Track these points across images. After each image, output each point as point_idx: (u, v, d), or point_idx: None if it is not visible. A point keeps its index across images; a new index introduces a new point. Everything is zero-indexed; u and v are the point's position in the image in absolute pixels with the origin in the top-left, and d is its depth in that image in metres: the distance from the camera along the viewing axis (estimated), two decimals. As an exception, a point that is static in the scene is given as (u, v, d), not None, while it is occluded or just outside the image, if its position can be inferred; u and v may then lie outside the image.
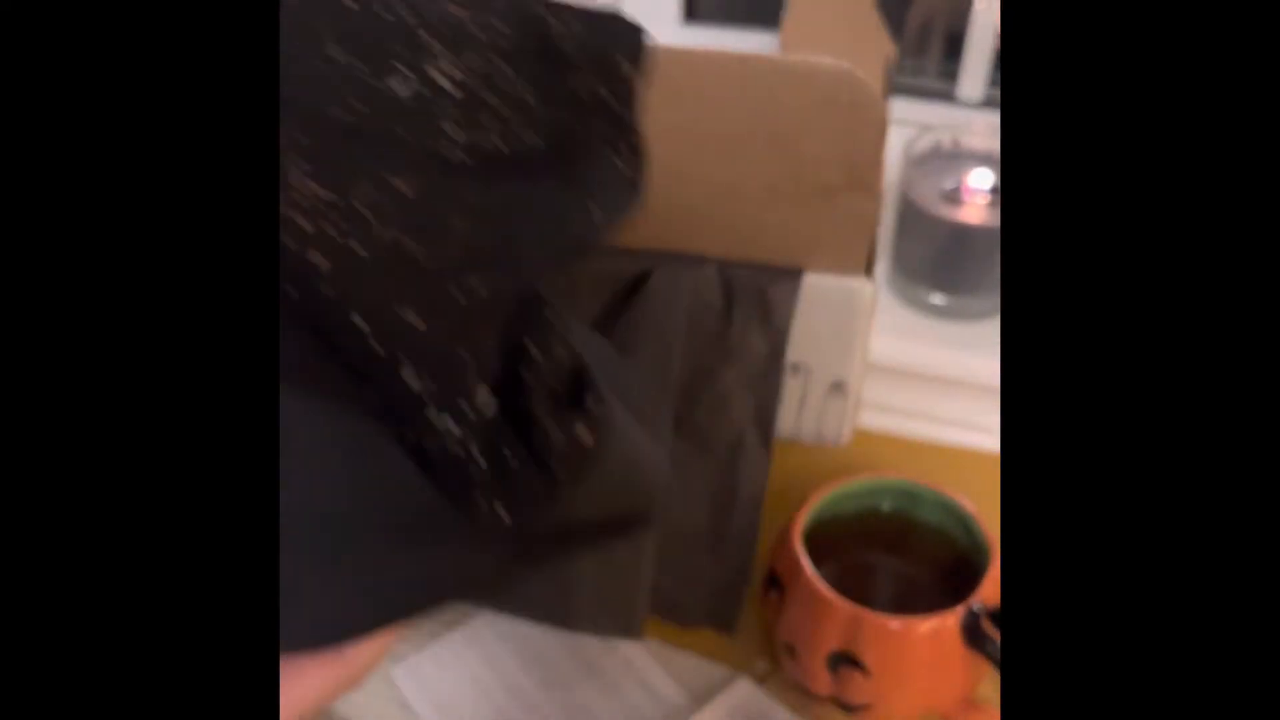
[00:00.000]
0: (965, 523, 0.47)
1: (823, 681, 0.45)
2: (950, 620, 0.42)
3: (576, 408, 0.25)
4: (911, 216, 0.59)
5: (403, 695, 0.47)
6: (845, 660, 0.43)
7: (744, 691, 0.47)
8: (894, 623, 0.42)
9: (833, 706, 0.46)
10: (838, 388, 0.47)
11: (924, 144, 0.61)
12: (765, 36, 0.78)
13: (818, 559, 0.45)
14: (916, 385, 0.59)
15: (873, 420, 0.60)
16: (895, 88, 0.76)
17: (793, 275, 0.44)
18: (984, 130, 0.61)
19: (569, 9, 0.28)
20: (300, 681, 0.26)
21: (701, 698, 0.47)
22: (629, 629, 0.45)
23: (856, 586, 0.46)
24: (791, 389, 0.47)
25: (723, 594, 0.49)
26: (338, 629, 0.25)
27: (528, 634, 0.50)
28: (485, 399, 0.24)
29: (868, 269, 0.45)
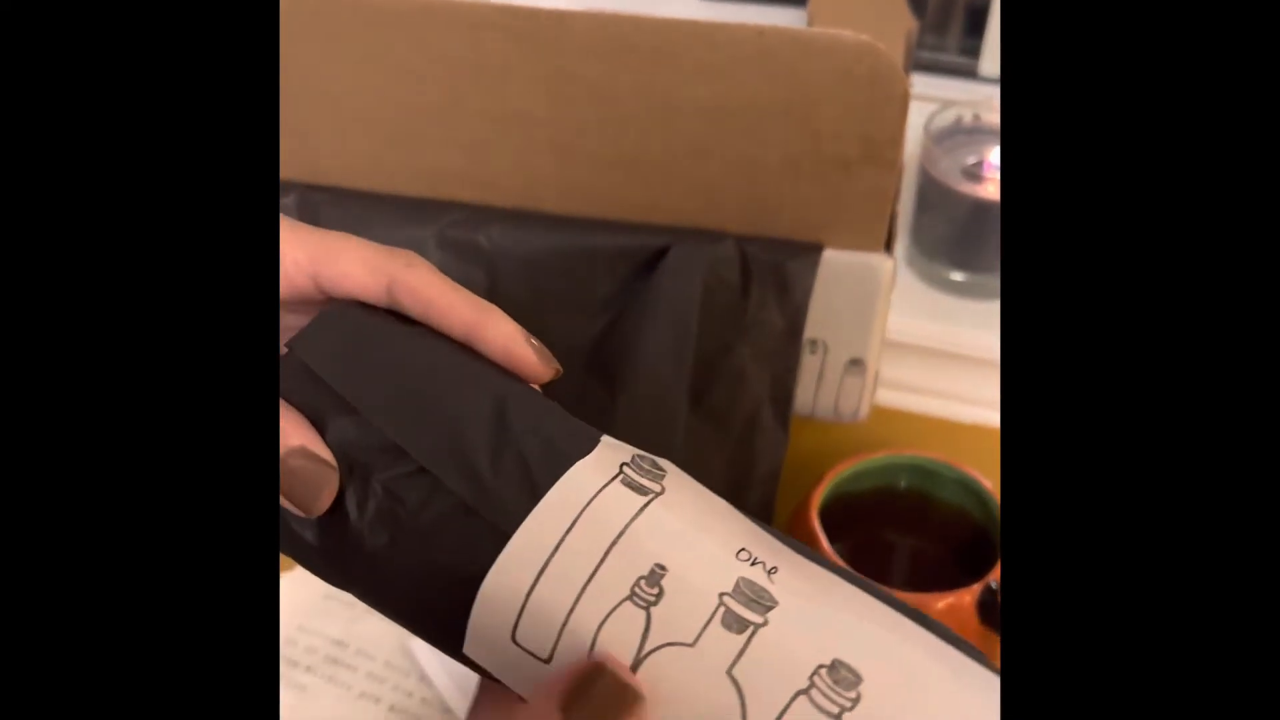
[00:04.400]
0: (983, 500, 0.47)
1: (838, 657, 0.45)
2: (966, 597, 0.42)
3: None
4: (931, 193, 0.58)
5: (420, 668, 0.48)
6: (861, 636, 0.44)
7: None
8: (909, 599, 0.42)
9: (848, 682, 0.47)
10: (856, 364, 0.47)
11: (944, 120, 0.60)
12: (785, 12, 0.77)
13: (834, 535, 0.45)
14: (935, 362, 0.59)
15: (890, 397, 0.60)
16: (916, 64, 0.75)
17: (811, 251, 0.44)
18: (1005, 106, 0.60)
19: None
20: None
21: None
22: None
23: (873, 563, 0.46)
24: (809, 365, 0.47)
25: (739, 570, 0.49)
26: None
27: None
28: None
29: (887, 245, 0.44)
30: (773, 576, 0.24)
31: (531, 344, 0.28)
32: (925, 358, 0.59)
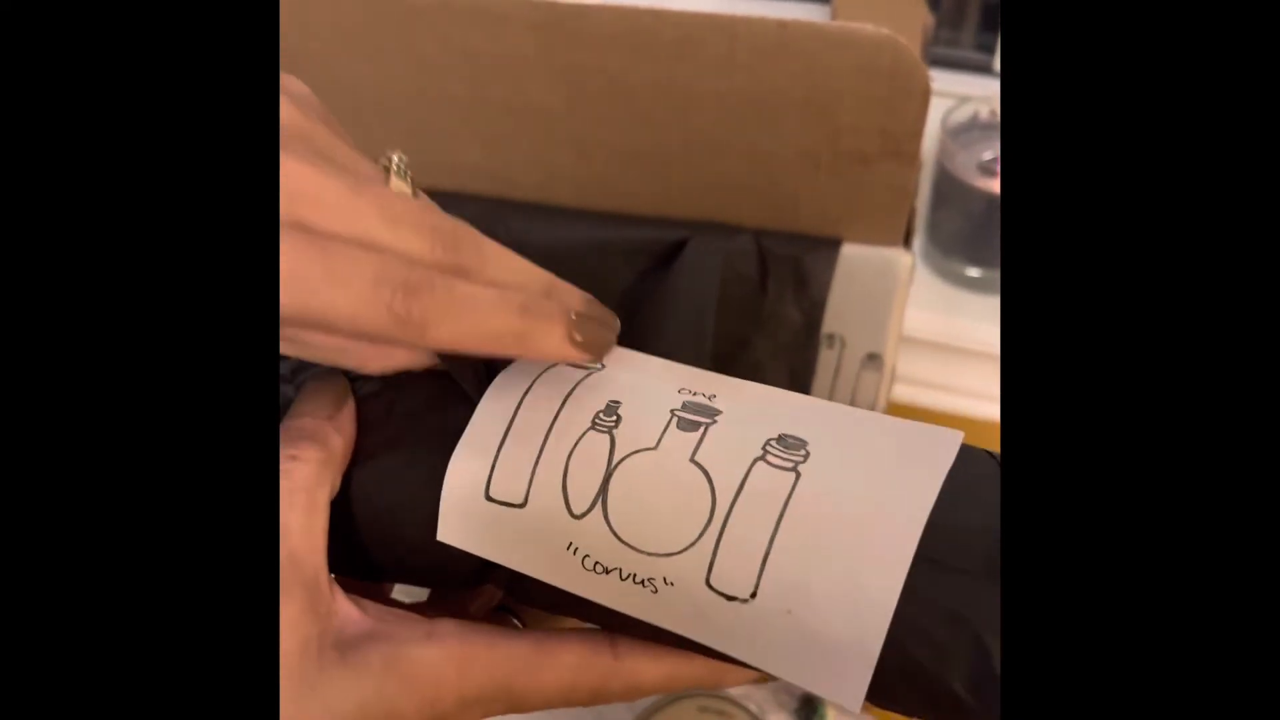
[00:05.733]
0: (999, 496, 0.47)
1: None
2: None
3: None
4: (948, 188, 0.58)
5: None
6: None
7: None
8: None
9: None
10: (873, 359, 0.47)
11: (961, 115, 0.60)
12: (807, 8, 0.77)
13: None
14: (950, 358, 0.59)
15: (905, 393, 0.60)
16: (933, 59, 0.75)
17: (830, 245, 0.44)
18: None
19: None
20: None
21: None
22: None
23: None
24: (826, 360, 0.47)
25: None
26: None
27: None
28: None
29: (906, 240, 0.44)
30: (714, 400, 0.27)
31: (577, 343, 0.27)
32: (940, 353, 0.59)
